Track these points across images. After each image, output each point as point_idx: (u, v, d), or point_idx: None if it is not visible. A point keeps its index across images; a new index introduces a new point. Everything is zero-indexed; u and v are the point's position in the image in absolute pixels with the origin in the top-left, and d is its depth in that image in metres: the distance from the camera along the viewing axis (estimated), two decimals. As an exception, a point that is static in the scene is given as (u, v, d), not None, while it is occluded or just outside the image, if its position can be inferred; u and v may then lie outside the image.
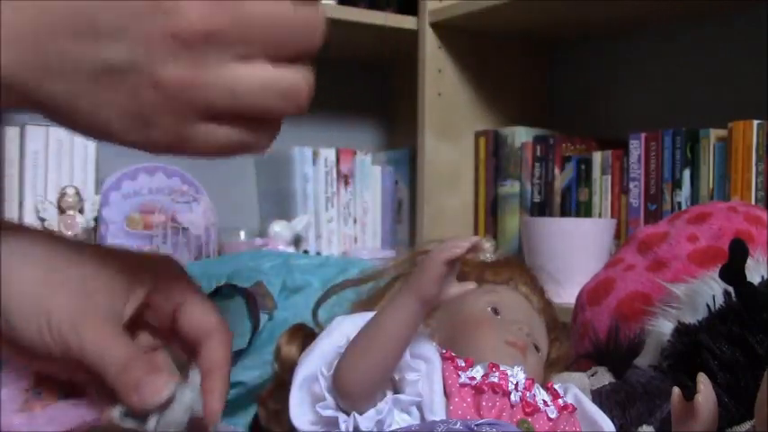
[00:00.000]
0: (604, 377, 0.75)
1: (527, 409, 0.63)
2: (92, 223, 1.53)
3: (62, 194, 1.50)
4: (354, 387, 0.61)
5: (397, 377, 0.63)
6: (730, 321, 0.69)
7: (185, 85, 0.42)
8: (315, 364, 0.64)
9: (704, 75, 1.67)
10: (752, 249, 0.72)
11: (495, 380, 0.64)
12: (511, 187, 1.75)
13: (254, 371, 0.88)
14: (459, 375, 0.64)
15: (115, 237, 1.62)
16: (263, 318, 0.95)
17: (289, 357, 0.71)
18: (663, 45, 1.74)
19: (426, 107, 1.71)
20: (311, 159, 1.81)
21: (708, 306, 0.72)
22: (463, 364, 0.65)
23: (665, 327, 0.75)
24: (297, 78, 0.45)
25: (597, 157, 1.63)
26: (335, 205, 1.85)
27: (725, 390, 0.65)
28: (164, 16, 0.41)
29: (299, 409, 0.63)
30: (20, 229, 0.51)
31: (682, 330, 0.73)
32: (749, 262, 0.70)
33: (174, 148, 0.44)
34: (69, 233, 1.48)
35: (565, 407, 0.65)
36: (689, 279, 0.80)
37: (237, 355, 0.88)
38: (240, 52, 0.42)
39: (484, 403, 0.63)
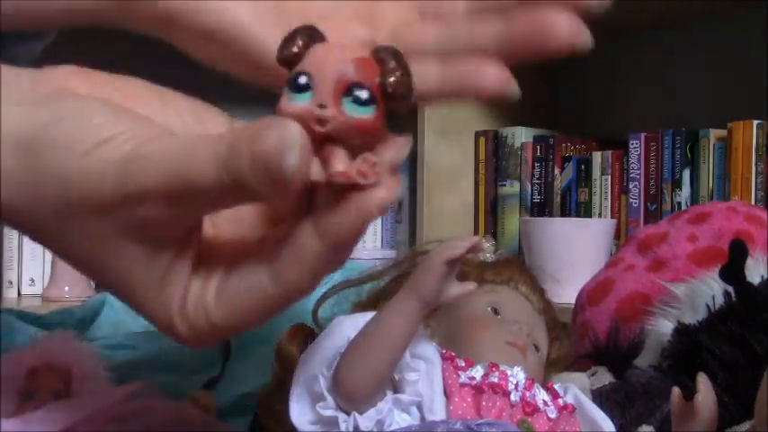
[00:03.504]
0: (604, 377, 0.75)
1: (527, 409, 0.63)
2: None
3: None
4: (355, 387, 0.61)
5: (397, 377, 0.63)
6: (730, 321, 0.70)
7: None
8: (315, 364, 0.64)
9: (704, 75, 1.67)
10: (752, 249, 0.72)
11: (495, 380, 0.64)
12: (511, 187, 1.75)
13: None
14: (459, 375, 0.64)
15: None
16: (233, 340, 0.95)
17: (289, 357, 0.71)
18: (663, 45, 1.73)
19: (426, 107, 1.71)
20: (311, 159, 1.81)
21: (708, 306, 0.72)
22: (463, 364, 0.65)
23: (664, 327, 0.76)
24: None
25: (597, 157, 1.63)
26: (335, 205, 1.85)
27: (725, 390, 0.65)
28: None
29: (299, 409, 0.63)
30: None
31: (682, 330, 0.73)
32: (749, 262, 0.71)
33: None
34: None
35: (565, 407, 0.65)
36: (689, 279, 0.80)
37: (212, 383, 0.88)
38: None
39: (484, 403, 0.63)
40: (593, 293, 0.95)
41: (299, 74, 0.35)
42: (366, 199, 0.36)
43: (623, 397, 0.71)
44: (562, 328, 0.80)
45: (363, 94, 0.35)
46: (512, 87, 0.43)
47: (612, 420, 0.67)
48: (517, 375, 0.65)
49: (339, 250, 0.38)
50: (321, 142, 0.36)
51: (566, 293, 0.99)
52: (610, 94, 1.81)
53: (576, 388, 0.69)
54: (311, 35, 0.36)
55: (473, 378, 0.64)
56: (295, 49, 0.36)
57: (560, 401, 0.66)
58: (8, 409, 0.68)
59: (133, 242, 0.38)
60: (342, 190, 0.36)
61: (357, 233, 0.37)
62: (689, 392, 0.60)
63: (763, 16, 1.53)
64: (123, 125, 0.38)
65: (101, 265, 0.39)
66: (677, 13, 1.62)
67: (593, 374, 0.76)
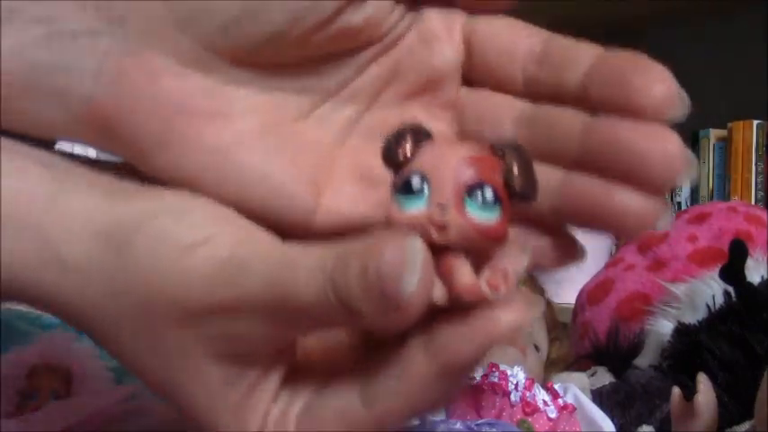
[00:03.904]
0: (604, 377, 0.75)
1: (527, 409, 0.63)
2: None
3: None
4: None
5: (396, 377, 0.63)
6: (730, 321, 0.70)
7: None
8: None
9: (704, 75, 1.67)
10: (752, 249, 0.72)
11: (495, 380, 0.64)
12: (511, 187, 1.76)
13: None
14: (458, 375, 0.64)
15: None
16: None
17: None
18: (662, 45, 1.74)
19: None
20: (311, 159, 1.81)
21: (708, 306, 0.73)
22: (463, 364, 0.65)
23: (664, 327, 0.76)
24: None
25: (597, 157, 1.64)
26: (335, 205, 1.85)
27: (725, 390, 0.65)
28: None
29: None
30: None
31: (682, 330, 0.73)
32: (749, 262, 0.71)
33: None
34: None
35: (565, 407, 0.65)
36: (689, 279, 0.80)
37: None
38: None
39: (484, 403, 0.63)
40: (593, 293, 0.95)
41: (413, 174, 0.30)
42: (493, 319, 0.30)
43: (623, 397, 0.71)
44: (562, 328, 0.80)
45: (489, 194, 0.30)
46: (580, 254, 0.36)
47: (612, 420, 0.67)
48: (517, 375, 0.65)
49: (449, 375, 0.31)
50: (438, 255, 0.30)
51: (566, 293, 0.99)
52: (610, 94, 1.81)
53: (575, 388, 0.69)
54: (418, 133, 0.31)
55: (473, 378, 0.64)
56: (407, 150, 0.31)
57: (560, 401, 0.66)
58: (8, 410, 0.68)
59: (216, 359, 0.33)
60: (464, 306, 0.30)
61: (476, 358, 0.31)
62: (689, 392, 0.60)
63: (763, 16, 1.53)
64: (223, 225, 0.34)
65: (170, 382, 0.34)
66: (677, 13, 1.63)
67: (593, 374, 0.76)
